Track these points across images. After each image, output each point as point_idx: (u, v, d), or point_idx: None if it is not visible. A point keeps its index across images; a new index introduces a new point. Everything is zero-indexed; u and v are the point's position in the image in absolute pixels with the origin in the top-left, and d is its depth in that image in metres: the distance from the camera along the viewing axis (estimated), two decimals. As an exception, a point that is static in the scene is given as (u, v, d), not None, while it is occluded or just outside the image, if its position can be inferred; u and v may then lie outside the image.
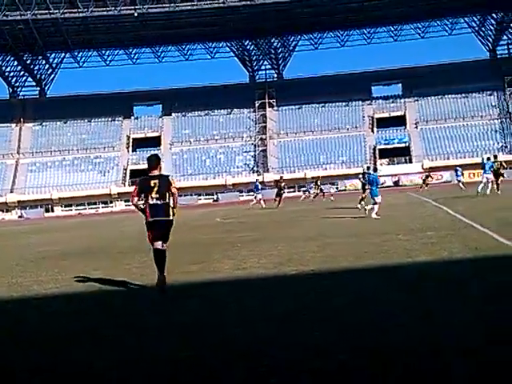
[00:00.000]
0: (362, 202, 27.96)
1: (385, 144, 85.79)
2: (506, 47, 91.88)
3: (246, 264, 11.86)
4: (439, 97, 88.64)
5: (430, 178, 56.12)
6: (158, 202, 9.86)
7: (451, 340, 5.75)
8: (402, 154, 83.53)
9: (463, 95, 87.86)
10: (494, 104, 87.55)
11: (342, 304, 7.71)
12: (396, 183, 74.19)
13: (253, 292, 9.21)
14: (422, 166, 79.30)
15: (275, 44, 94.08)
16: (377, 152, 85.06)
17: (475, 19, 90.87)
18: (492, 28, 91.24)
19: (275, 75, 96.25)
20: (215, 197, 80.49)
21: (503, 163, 34.30)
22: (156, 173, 10.08)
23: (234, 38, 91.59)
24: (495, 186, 32.17)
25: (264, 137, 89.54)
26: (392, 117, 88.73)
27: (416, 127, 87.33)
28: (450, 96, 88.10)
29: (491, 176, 32.39)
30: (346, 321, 6.86)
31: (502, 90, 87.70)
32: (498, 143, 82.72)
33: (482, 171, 33.63)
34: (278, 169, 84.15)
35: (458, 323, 6.29)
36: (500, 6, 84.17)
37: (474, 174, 70.04)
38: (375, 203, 22.29)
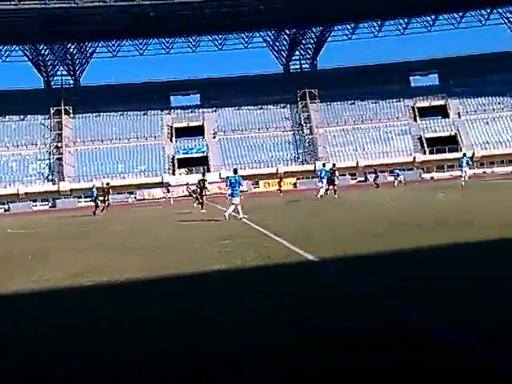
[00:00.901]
0: (199, 205, 30.99)
1: (183, 153, 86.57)
2: (298, 62, 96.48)
3: (39, 277, 11.40)
4: (236, 108, 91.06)
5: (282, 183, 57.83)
6: None
7: (249, 348, 5.87)
8: (200, 163, 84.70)
9: (259, 107, 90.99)
10: (287, 116, 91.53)
11: (143, 314, 7.65)
12: (195, 192, 74.73)
13: (47, 305, 8.88)
14: (220, 175, 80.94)
15: (71, 50, 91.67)
16: (175, 161, 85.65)
17: (270, 34, 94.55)
18: (285, 43, 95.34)
19: (72, 82, 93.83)
20: (6, 206, 76.67)
21: (336, 171, 39.17)
22: None
23: (27, 42, 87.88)
24: (333, 190, 36.72)
25: (60, 145, 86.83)
26: (191, 126, 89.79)
27: (214, 137, 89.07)
28: (246, 107, 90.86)
29: (325, 182, 36.64)
30: (147, 331, 6.80)
31: (294, 103, 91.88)
32: (292, 154, 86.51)
33: (319, 178, 37.67)
34: (74, 177, 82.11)
35: (255, 331, 6.43)
36: (293, 23, 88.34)
37: (268, 183, 72.78)
38: (234, 205, 22.82)
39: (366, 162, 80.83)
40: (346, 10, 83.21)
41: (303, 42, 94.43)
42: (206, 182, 33.25)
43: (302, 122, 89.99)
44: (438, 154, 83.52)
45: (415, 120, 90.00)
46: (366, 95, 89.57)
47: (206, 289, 9.11)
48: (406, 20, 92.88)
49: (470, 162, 44.77)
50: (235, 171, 24.61)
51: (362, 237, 13.60)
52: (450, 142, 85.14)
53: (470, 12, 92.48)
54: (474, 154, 79.98)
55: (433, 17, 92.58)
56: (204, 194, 32.50)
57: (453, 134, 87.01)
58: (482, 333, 5.63)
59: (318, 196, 35.16)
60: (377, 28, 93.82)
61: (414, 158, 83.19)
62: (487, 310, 6.36)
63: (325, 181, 36.65)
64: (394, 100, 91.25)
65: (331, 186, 37.15)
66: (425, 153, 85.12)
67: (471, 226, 13.76)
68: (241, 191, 24.30)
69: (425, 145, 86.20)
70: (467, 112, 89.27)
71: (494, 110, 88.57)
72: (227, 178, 24.72)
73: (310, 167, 79.33)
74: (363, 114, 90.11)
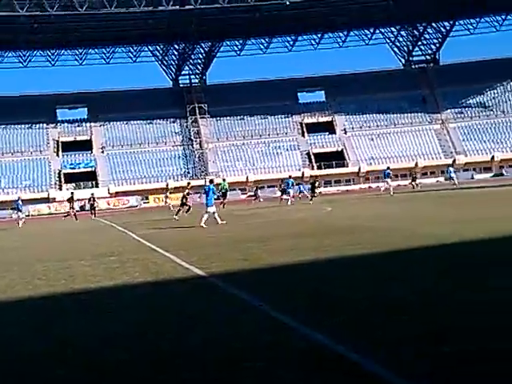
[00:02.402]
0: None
1: (70, 168, 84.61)
2: (187, 77, 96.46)
3: None
4: (125, 122, 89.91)
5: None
6: None
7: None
8: (88, 178, 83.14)
9: (148, 121, 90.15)
10: (177, 131, 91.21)
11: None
12: (82, 208, 73.01)
13: None
14: (108, 190, 79.68)
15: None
16: (62, 176, 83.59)
17: (158, 48, 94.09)
18: (174, 58, 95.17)
19: None
20: None
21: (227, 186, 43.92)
22: None
23: None
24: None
25: None
26: (78, 141, 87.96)
27: (102, 152, 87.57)
28: (135, 122, 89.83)
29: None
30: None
31: (184, 118, 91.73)
32: (182, 169, 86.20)
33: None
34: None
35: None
36: (181, 37, 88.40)
37: (158, 198, 72.12)
38: (209, 213, 23.12)
39: (256, 177, 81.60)
40: (234, 26, 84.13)
41: (192, 56, 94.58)
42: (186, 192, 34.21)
43: (192, 137, 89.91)
44: (326, 169, 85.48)
45: (303, 135, 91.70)
46: (255, 111, 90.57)
47: (94, 304, 8.80)
48: (293, 37, 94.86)
49: (392, 175, 49.01)
50: (211, 181, 25.30)
51: (255, 252, 13.60)
52: (337, 158, 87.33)
53: (354, 31, 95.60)
54: (360, 169, 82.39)
55: (319, 35, 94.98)
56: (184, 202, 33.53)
57: (339, 149, 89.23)
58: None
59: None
60: (265, 45, 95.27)
61: (303, 173, 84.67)
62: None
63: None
64: (283, 116, 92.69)
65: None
66: (313, 168, 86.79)
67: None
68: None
69: (313, 160, 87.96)
70: (353, 128, 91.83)
71: (378, 126, 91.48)
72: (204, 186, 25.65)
73: (200, 182, 79.33)
74: (252, 129, 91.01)
